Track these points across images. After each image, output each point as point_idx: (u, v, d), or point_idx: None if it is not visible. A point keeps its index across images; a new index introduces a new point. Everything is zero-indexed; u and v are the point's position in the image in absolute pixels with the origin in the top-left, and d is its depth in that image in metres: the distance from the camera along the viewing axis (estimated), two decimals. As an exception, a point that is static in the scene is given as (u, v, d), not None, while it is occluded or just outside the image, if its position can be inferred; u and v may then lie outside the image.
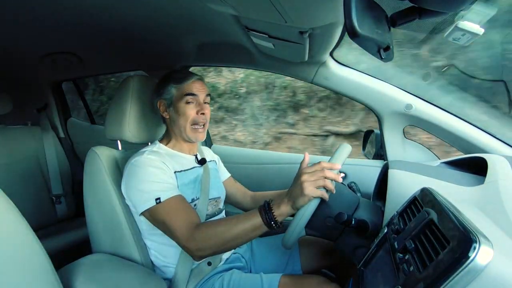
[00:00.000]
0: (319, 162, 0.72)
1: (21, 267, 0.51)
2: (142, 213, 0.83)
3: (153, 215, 0.81)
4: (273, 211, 0.73)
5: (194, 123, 0.93)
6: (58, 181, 1.60)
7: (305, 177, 0.70)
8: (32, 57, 1.26)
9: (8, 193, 0.55)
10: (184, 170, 0.93)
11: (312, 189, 0.69)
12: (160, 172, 0.83)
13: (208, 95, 0.97)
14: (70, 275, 0.72)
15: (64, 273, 0.73)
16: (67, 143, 1.81)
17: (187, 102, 0.92)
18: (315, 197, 0.69)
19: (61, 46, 1.17)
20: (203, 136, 0.96)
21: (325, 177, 0.69)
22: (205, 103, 0.96)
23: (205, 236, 0.75)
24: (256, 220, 0.73)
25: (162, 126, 1.08)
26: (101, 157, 0.92)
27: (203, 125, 0.95)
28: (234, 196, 1.15)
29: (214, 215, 0.99)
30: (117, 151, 1.00)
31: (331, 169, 0.70)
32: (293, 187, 0.72)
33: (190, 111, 0.92)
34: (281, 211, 0.73)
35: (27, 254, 0.53)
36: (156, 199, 0.79)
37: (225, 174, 1.17)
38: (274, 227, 0.73)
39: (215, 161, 1.13)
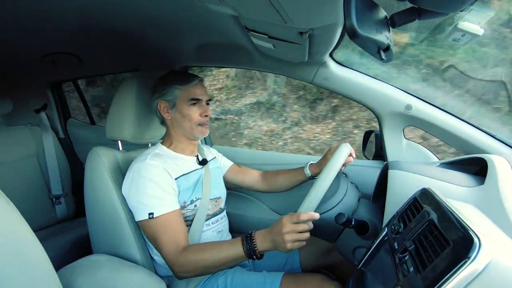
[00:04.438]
0: (299, 214, 0.72)
1: (21, 267, 0.51)
2: (137, 222, 0.87)
3: (144, 228, 0.86)
4: (255, 244, 0.76)
5: (199, 124, 0.96)
6: (58, 181, 1.60)
7: (288, 229, 0.71)
8: (32, 57, 1.26)
9: (8, 194, 0.55)
10: (186, 174, 0.94)
11: (294, 244, 0.72)
12: (159, 185, 0.84)
13: (209, 100, 1.00)
14: (70, 275, 0.71)
15: (64, 273, 0.73)
16: (67, 143, 1.81)
17: (192, 105, 0.94)
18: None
19: (61, 46, 1.17)
20: (207, 131, 0.99)
21: (305, 230, 0.72)
22: (207, 103, 0.99)
23: (189, 262, 0.79)
24: (238, 250, 0.77)
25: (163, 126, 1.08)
26: (102, 157, 0.92)
27: (206, 124, 0.98)
28: (243, 182, 1.17)
29: (215, 215, 0.99)
30: (118, 152, 1.00)
31: (310, 218, 0.72)
32: (275, 234, 0.74)
33: (195, 113, 0.95)
34: (263, 246, 0.76)
35: (27, 255, 0.52)
36: (150, 214, 0.82)
37: (228, 164, 1.18)
38: (254, 259, 0.77)
39: (215, 157, 1.14)
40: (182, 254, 0.80)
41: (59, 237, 1.40)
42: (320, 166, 1.02)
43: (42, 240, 0.56)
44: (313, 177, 1.06)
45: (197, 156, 1.02)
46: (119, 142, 1.07)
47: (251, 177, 1.16)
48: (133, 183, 0.85)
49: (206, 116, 0.96)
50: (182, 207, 0.90)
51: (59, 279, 0.60)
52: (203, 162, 1.01)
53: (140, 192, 0.84)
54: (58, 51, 1.22)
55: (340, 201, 0.81)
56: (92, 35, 1.02)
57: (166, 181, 0.86)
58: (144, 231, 0.87)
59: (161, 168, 0.86)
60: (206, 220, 0.95)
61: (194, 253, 0.80)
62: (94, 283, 0.73)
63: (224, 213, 1.05)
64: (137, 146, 1.01)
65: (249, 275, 0.90)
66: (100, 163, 0.92)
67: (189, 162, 0.98)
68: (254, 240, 0.76)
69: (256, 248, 0.75)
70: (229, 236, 1.07)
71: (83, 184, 0.96)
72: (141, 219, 0.84)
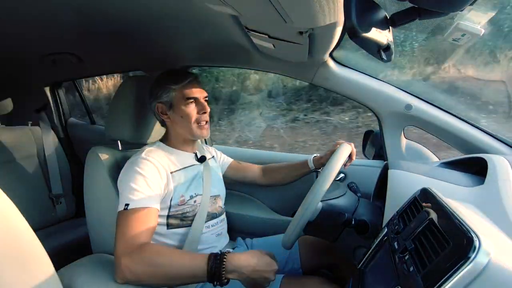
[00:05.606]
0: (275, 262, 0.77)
1: (21, 267, 0.51)
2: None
3: (117, 219, 0.78)
4: (224, 266, 0.67)
5: (198, 122, 0.94)
6: (58, 181, 1.60)
7: (274, 268, 0.75)
8: (32, 57, 1.26)
9: (8, 193, 0.55)
10: (183, 168, 0.93)
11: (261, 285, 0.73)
12: (145, 179, 0.81)
13: (206, 96, 0.97)
14: (70, 275, 0.71)
15: (64, 273, 0.72)
16: (67, 143, 1.81)
17: (189, 103, 0.93)
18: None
19: (61, 46, 1.17)
20: (208, 132, 0.97)
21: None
22: (205, 100, 0.97)
23: (140, 261, 0.69)
24: (201, 266, 0.68)
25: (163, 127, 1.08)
26: (102, 157, 0.92)
27: (206, 122, 0.96)
28: (245, 178, 1.17)
29: (215, 216, 0.99)
30: (117, 151, 1.00)
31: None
32: (256, 269, 0.71)
33: (192, 111, 0.93)
34: (234, 274, 0.69)
35: (27, 254, 0.52)
36: (126, 205, 0.77)
37: (228, 161, 1.18)
38: (215, 283, 0.68)
39: (214, 156, 1.14)
40: (136, 251, 0.70)
41: (59, 236, 1.41)
42: (324, 160, 1.02)
43: (42, 239, 0.56)
44: (317, 170, 1.06)
45: (195, 153, 1.02)
46: (119, 141, 1.07)
47: (252, 173, 1.16)
48: (123, 174, 0.84)
49: (204, 113, 0.94)
50: (182, 203, 0.89)
51: (59, 278, 0.60)
52: (202, 159, 1.01)
53: (126, 183, 0.81)
54: (58, 51, 1.22)
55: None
56: (92, 35, 1.02)
57: (154, 178, 0.83)
58: (116, 222, 0.78)
59: (153, 164, 0.84)
60: (205, 222, 0.94)
61: (151, 253, 0.70)
62: (94, 283, 0.72)
63: (224, 216, 1.05)
64: (137, 146, 1.01)
65: None
66: (99, 162, 0.92)
67: (187, 158, 0.98)
68: (224, 262, 0.67)
69: (223, 271, 0.67)
70: (228, 240, 1.07)
71: (83, 183, 0.96)
72: (119, 210, 0.78)
